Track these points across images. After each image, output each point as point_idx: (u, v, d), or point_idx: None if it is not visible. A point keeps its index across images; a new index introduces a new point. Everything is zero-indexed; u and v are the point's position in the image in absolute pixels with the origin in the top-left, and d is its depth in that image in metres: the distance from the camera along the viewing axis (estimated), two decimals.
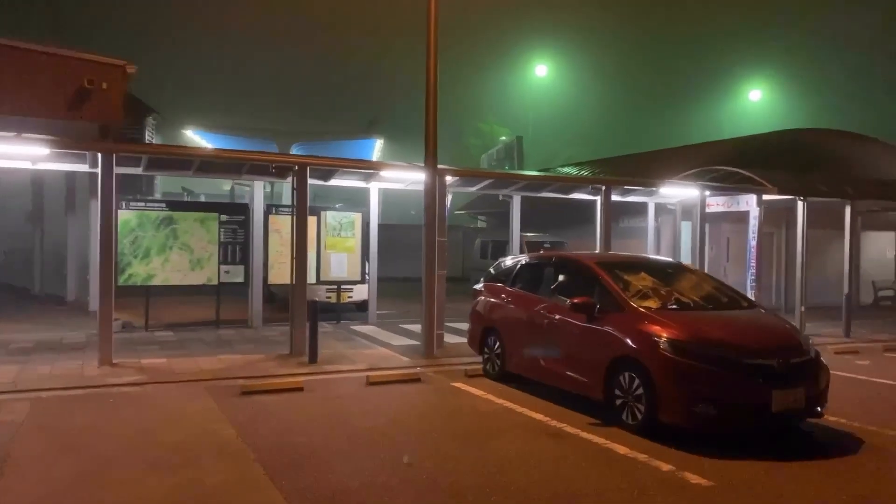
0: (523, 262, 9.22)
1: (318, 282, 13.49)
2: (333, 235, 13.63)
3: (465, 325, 10.25)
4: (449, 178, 11.78)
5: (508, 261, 9.78)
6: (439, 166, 10.92)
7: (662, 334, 6.43)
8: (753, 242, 14.28)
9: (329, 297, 14.08)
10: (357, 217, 13.90)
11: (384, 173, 12.44)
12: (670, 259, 9.87)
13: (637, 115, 54.12)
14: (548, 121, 50.26)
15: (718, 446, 6.04)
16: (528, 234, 19.01)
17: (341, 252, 13.69)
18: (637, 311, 6.87)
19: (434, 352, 10.48)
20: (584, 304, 7.23)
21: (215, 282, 12.46)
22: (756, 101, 48.55)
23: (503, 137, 44.03)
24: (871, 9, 47.19)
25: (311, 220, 12.59)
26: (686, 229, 16.26)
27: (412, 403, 7.84)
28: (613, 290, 7.23)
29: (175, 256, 12.07)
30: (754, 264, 14.36)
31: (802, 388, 6.25)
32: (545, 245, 19.09)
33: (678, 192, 14.76)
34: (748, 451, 5.98)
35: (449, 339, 11.43)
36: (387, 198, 26.86)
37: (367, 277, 14.18)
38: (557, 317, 7.74)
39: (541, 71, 46.35)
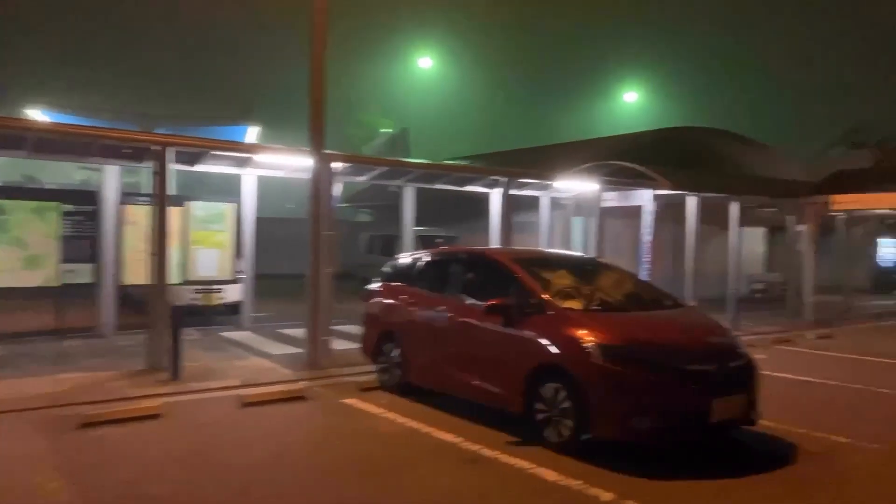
0: (426, 259, 8.17)
1: (184, 282, 11.79)
2: (201, 229, 11.96)
3: (351, 328, 9.09)
4: (338, 165, 10.53)
5: (407, 257, 8.71)
6: (326, 151, 9.68)
7: (592, 339, 5.63)
8: (648, 238, 14.10)
9: (197, 300, 12.38)
10: (229, 208, 12.30)
11: (261, 158, 10.98)
12: (586, 255, 9.19)
13: (517, 113, 54.74)
14: (432, 116, 49.53)
15: (651, 464, 5.33)
16: (419, 228, 18.05)
17: (211, 248, 12.03)
18: (561, 313, 6.04)
19: (320, 361, 9.21)
20: (499, 306, 6.32)
21: (55, 283, 10.51)
22: (631, 102, 50.47)
23: (385, 129, 42.73)
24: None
25: (175, 212, 10.98)
26: (578, 224, 15.93)
27: (298, 429, 6.59)
28: (533, 290, 6.36)
29: (1, 254, 10.03)
30: (648, 259, 14.20)
31: (741, 395, 5.67)
32: (437, 239, 18.19)
33: (575, 187, 14.33)
34: (688, 469, 5.32)
35: (336, 344, 10.19)
36: (260, 189, 24.88)
37: (240, 276, 12.62)
38: (467, 320, 6.79)
39: (424, 63, 45.50)
